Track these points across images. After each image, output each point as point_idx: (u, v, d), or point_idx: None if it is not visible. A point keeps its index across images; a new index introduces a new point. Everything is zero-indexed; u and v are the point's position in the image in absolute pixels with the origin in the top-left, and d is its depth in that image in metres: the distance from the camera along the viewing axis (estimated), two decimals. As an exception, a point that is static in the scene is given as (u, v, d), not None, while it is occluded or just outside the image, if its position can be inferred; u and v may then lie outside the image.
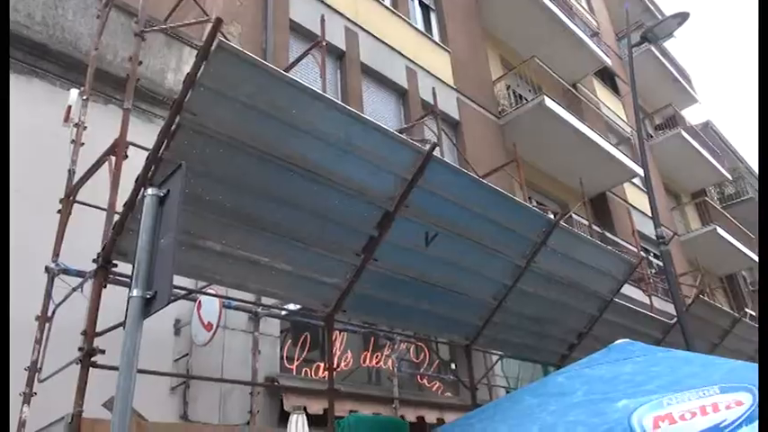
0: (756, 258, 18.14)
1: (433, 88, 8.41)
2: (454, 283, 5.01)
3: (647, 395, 3.01)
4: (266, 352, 5.59)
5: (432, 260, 4.59)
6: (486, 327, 5.67)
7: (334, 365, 6.12)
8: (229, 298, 4.98)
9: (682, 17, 7.63)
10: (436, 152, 3.99)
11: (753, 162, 24.11)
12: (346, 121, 3.47)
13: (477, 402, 5.61)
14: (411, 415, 6.22)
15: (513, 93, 11.90)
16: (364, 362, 6.73)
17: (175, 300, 4.63)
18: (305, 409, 4.52)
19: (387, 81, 9.17)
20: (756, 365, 3.25)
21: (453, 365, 7.52)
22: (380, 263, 4.19)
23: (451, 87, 10.24)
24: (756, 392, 2.55)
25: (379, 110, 8.80)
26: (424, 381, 7.38)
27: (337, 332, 6.22)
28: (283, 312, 5.66)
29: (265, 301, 5.46)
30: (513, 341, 6.34)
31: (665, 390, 3.01)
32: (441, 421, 6.25)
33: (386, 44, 9.34)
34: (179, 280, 4.26)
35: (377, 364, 6.84)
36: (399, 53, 9.50)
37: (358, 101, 8.14)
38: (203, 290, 4.76)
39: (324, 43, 5.80)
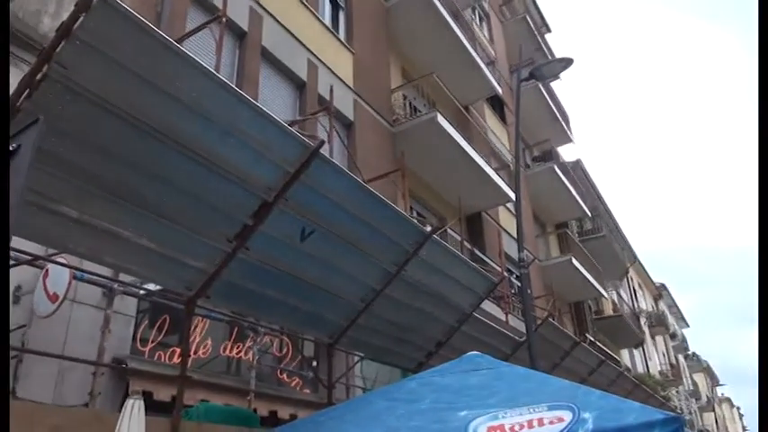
0: (602, 291, 20.07)
1: (331, 86, 8.42)
2: (324, 281, 5.04)
3: (486, 408, 3.21)
4: (118, 331, 5.26)
5: (305, 256, 4.58)
6: (350, 328, 5.75)
7: (192, 352, 5.93)
8: (82, 270, 4.63)
9: (567, 62, 8.28)
10: (325, 150, 4.00)
11: (610, 202, 26.66)
12: (234, 103, 3.36)
13: (334, 401, 5.67)
14: (264, 409, 6.15)
15: (410, 104, 12.22)
16: (224, 351, 6.55)
17: (17, 265, 4.23)
18: (147, 393, 4.31)
19: (286, 71, 9.03)
20: (582, 387, 3.60)
21: (315, 363, 7.55)
22: (252, 253, 4.11)
23: (350, 88, 10.31)
24: (577, 410, 2.82)
25: (275, 99, 8.64)
26: (284, 376, 7.34)
27: (199, 318, 6.01)
28: (142, 291, 5.37)
29: (124, 277, 5.14)
30: (375, 344, 6.49)
31: (503, 404, 3.23)
32: (293, 417, 6.24)
33: (291, 33, 9.20)
34: (25, 244, 3.89)
35: (237, 354, 6.69)
36: (303, 45, 9.40)
37: (254, 86, 7.94)
38: (52, 258, 4.38)
39: (224, 19, 5.59)
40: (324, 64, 9.74)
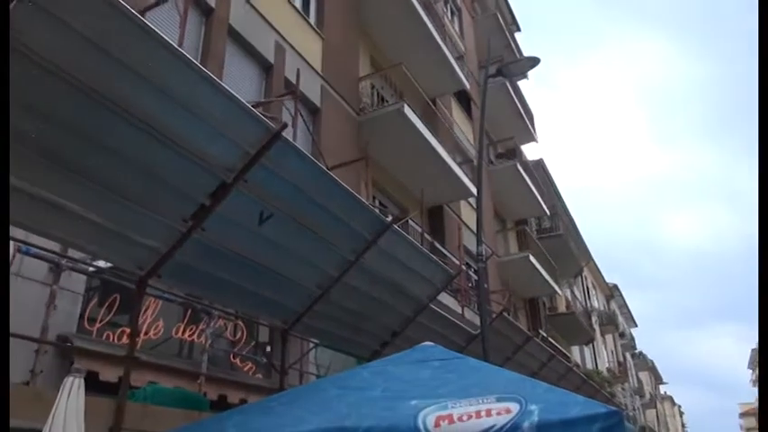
0: (557, 288, 20.54)
1: (298, 69, 8.30)
2: (281, 266, 4.99)
3: (437, 397, 3.24)
4: (64, 308, 5.09)
5: (262, 240, 4.52)
6: (306, 314, 5.72)
7: (142, 333, 5.80)
8: (28, 243, 4.45)
9: (534, 61, 8.38)
10: (289, 134, 3.94)
11: (568, 202, 27.27)
12: (196, 79, 3.27)
13: (286, 387, 5.64)
14: (214, 392, 6.08)
15: (377, 93, 12.18)
16: (176, 333, 6.43)
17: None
18: (92, 373, 4.19)
19: (253, 52, 8.86)
20: (530, 380, 3.68)
21: (269, 348, 7.49)
22: (208, 234, 4.03)
23: (318, 74, 10.20)
24: (524, 402, 2.86)
25: (239, 79, 8.47)
26: (237, 360, 7.26)
27: (151, 299, 5.88)
28: (91, 269, 5.21)
29: (73, 253, 4.98)
30: (331, 331, 6.48)
31: (453, 394, 3.26)
32: (244, 401, 6.19)
33: (260, 14, 9.02)
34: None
35: (190, 337, 6.58)
36: (272, 26, 9.24)
37: (219, 64, 7.76)
38: (-4, 230, 4.19)
39: (190, -7, 5.44)
40: (292, 47, 9.60)
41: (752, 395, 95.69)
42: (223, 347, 7.13)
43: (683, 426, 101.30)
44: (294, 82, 8.35)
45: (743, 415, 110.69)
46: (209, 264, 4.51)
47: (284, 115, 8.05)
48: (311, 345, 7.03)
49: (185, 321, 6.52)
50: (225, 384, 6.44)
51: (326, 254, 5.25)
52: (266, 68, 9.09)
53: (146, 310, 5.82)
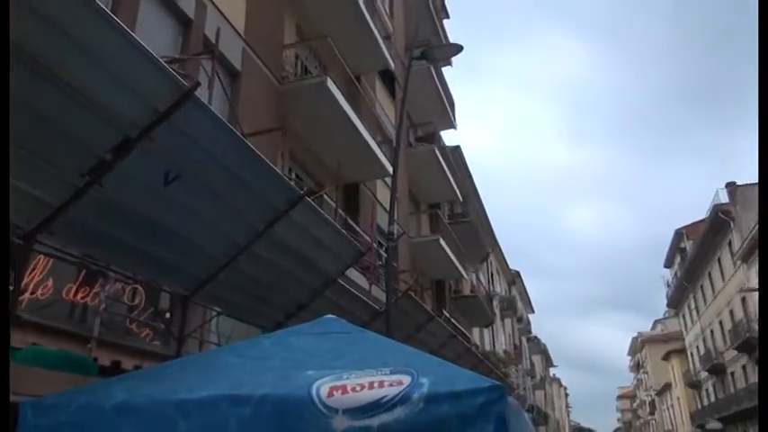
0: (463, 272, 21.29)
1: (219, 28, 7.97)
2: (186, 231, 4.84)
3: (333, 369, 3.30)
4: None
5: (167, 203, 4.36)
6: (210, 282, 5.60)
7: (29, 292, 5.44)
8: None
9: (458, 48, 8.54)
10: (204, 96, 3.81)
11: (480, 190, 28.22)
12: (104, 27, 3.08)
13: (183, 355, 5.51)
14: (106, 358, 5.85)
15: (302, 64, 11.96)
16: (68, 295, 6.09)
17: None
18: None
19: (171, 4, 8.39)
20: (425, 355, 3.82)
21: (168, 315, 7.27)
22: (107, 191, 3.82)
23: (240, 36, 9.85)
24: (416, 375, 2.98)
25: (154, 32, 8.02)
26: (134, 326, 6.99)
27: (42, 256, 5.52)
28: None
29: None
30: (235, 301, 6.39)
31: (349, 366, 3.33)
32: (138, 368, 5.99)
33: (181, -36, 8.56)
34: None
35: (83, 299, 6.25)
36: (194, -21, 8.79)
37: (131, 14, 7.30)
38: None
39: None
40: (214, 4, 9.19)
41: (628, 380, 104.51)
42: (119, 312, 6.84)
43: (567, 406, 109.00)
44: (214, 41, 8.02)
45: (620, 397, 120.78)
46: (108, 223, 4.30)
47: (201, 76, 7.73)
48: (213, 313, 6.89)
49: (78, 282, 6.19)
50: (119, 350, 6.21)
51: (235, 222, 5.15)
52: (184, 23, 8.65)
53: (33, 269, 5.46)
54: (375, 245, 13.20)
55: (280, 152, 8.96)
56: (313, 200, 5.97)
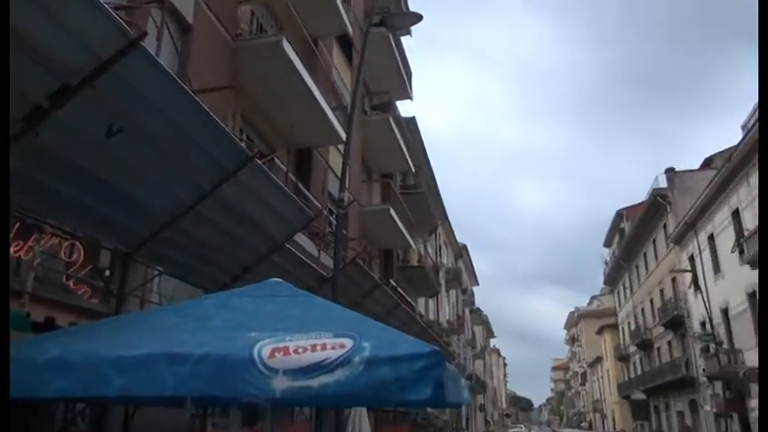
0: (412, 242, 21.53)
1: (171, -22, 7.61)
2: (129, 187, 4.69)
3: (276, 331, 3.30)
4: None
5: (109, 156, 4.20)
6: (152, 240, 5.47)
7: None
8: None
9: (416, 18, 8.46)
10: (153, 48, 3.65)
11: (433, 162, 28.43)
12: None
13: (123, 313, 5.40)
14: (40, 314, 5.65)
15: (257, 22, 11.59)
16: (0, 248, 5.81)
17: None
18: None
19: (121, -52, 7.95)
20: (368, 319, 3.87)
21: (108, 272, 7.07)
22: (44, 140, 3.65)
23: (194, -13, 9.44)
24: (358, 339, 3.02)
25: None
26: (71, 282, 6.76)
27: (-30, 207, 5.24)
28: None
29: None
30: (178, 260, 6.27)
31: (293, 329, 3.35)
32: (73, 325, 5.82)
33: None
34: None
35: (16, 253, 5.99)
36: (146, -77, 8.32)
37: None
38: None
39: None
40: (167, -48, 8.74)
41: (563, 352, 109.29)
42: (55, 268, 6.60)
43: (505, 375, 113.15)
44: (165, -9, 7.66)
45: (554, 369, 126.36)
46: (44, 174, 4.12)
47: (150, 27, 7.39)
48: (155, 272, 6.75)
49: (11, 235, 5.91)
50: (54, 306, 6.01)
51: (181, 180, 5.02)
52: (134, -30, 8.21)
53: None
54: (325, 211, 13.15)
55: (231, 112, 8.73)
56: (264, 163, 5.88)
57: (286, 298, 4.19)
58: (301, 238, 10.02)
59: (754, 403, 25.37)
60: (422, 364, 2.92)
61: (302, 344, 3.05)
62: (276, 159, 10.84)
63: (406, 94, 23.17)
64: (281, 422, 9.18)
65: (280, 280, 4.57)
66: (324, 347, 3.03)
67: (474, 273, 55.27)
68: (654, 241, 39.54)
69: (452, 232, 40.29)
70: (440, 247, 35.48)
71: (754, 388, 24.53)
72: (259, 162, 5.37)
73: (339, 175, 14.68)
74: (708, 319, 28.24)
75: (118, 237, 5.49)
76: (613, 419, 58.39)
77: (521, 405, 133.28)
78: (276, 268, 7.19)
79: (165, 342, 3.22)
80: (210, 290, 6.79)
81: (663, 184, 35.97)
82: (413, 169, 22.53)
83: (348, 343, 3.03)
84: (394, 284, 19.37)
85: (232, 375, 2.94)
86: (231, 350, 3.06)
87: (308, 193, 12.14)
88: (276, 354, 2.99)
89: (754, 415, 25.56)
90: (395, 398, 3.33)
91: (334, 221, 15.22)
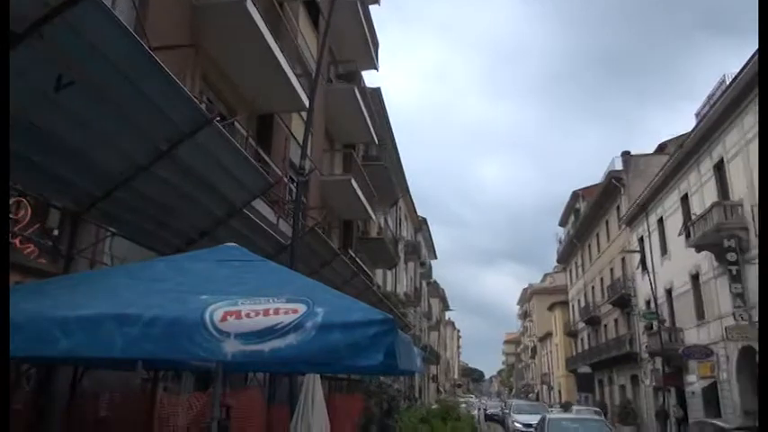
0: (372, 214, 21.57)
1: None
2: (80, 143, 4.53)
3: (229, 295, 3.28)
4: None
5: (58, 109, 4.03)
6: (104, 200, 5.32)
7: None
8: None
9: (386, -15, 8.30)
10: (108, 1, 3.48)
11: (396, 135, 28.36)
12: None
13: (71, 273, 5.27)
14: (-17, 273, 5.44)
15: (221, -21, 11.18)
16: (-62, 203, 5.55)
17: None
18: None
19: None
20: (323, 286, 3.88)
21: (56, 232, 6.85)
22: (-12, 90, 3.47)
23: (155, -61, 9.02)
24: (311, 305, 3.03)
25: None
26: (17, 241, 6.53)
27: None
28: None
29: None
30: (132, 222, 6.13)
31: (246, 294, 3.33)
32: (18, 284, 5.64)
33: None
34: None
35: (-44, 209, 5.73)
36: None
37: None
38: None
39: None
40: None
41: (516, 326, 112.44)
42: (1, 225, 6.35)
43: (458, 347, 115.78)
44: (123, -59, 7.31)
45: (506, 342, 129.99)
46: (-12, 126, 3.92)
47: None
48: (107, 233, 6.58)
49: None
50: None
51: (135, 138, 4.87)
52: None
53: None
54: (286, 179, 13.01)
55: (190, 72, 8.47)
56: (224, 127, 5.74)
57: (241, 263, 4.16)
58: (260, 205, 9.91)
59: (690, 378, 26.75)
60: (374, 331, 2.95)
61: (255, 308, 3.04)
62: (237, 124, 10.61)
63: (372, 65, 22.93)
64: (235, 388, 9.18)
65: (235, 245, 4.53)
66: (276, 312, 3.03)
67: (433, 246, 55.92)
68: (607, 222, 40.72)
69: (413, 205, 40.53)
70: (400, 219, 35.68)
71: (692, 364, 25.84)
72: (218, 125, 5.25)
73: (301, 142, 14.52)
74: (653, 299, 29.45)
75: (67, 195, 5.31)
76: (559, 391, 60.71)
77: (473, 376, 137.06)
78: (234, 234, 7.11)
79: (114, 303, 3.16)
80: (165, 253, 6.67)
81: (619, 166, 36.93)
82: (376, 141, 22.44)
83: (301, 308, 3.04)
84: (353, 255, 19.44)
85: (183, 338, 2.91)
86: (182, 312, 3.03)
87: (268, 160, 11.96)
88: (228, 317, 2.97)
89: (689, 389, 27.00)
90: (347, 363, 3.38)
91: (295, 189, 15.11)
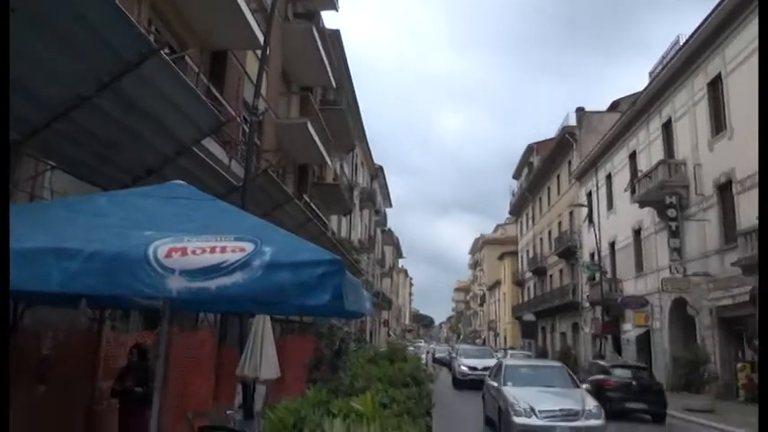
0: (328, 159, 21.35)
1: None
2: (19, 70, 4.23)
3: (175, 232, 3.21)
4: None
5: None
6: (44, 130, 5.06)
7: None
8: None
9: None
10: None
11: (355, 80, 27.85)
12: None
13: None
14: None
15: None
16: None
17: None
18: None
19: None
20: (272, 226, 3.85)
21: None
22: None
23: None
24: (259, 244, 3.00)
25: None
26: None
27: None
28: None
29: None
30: (73, 156, 5.88)
31: (193, 232, 3.27)
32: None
33: None
34: None
35: None
36: None
37: None
38: None
39: None
40: None
41: (466, 275, 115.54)
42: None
43: (410, 294, 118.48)
44: None
45: (457, 290, 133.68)
46: None
47: None
48: (47, 167, 6.30)
49: None
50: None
51: (76, 68, 4.61)
52: None
53: None
54: (239, 119, 12.65)
55: (137, 0, 7.98)
56: (174, 61, 5.49)
57: (188, 201, 4.06)
58: (212, 145, 9.65)
59: (626, 327, 28.31)
60: (322, 271, 2.95)
61: (201, 245, 2.99)
62: (187, 58, 10.16)
63: (332, 4, 22.19)
64: (185, 329, 9.16)
65: (183, 183, 4.40)
66: (223, 250, 2.99)
67: (388, 194, 56.13)
68: (558, 176, 41.67)
69: (370, 153, 40.32)
70: (356, 166, 35.51)
71: (629, 313, 27.29)
72: (165, 56, 5.01)
73: (255, 82, 14.08)
74: (596, 251, 30.66)
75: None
76: (505, 338, 63.36)
77: (423, 322, 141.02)
78: (183, 173, 6.91)
79: (53, 236, 3.06)
80: (109, 190, 6.45)
81: (573, 122, 37.53)
82: (334, 85, 21.97)
83: (249, 247, 3.01)
84: (307, 200, 19.31)
85: (125, 273, 2.85)
86: (125, 248, 2.95)
87: (220, 98, 11.57)
88: (173, 254, 2.92)
89: (624, 337, 28.61)
90: (294, 302, 3.39)
91: (248, 130, 14.74)
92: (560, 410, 9.96)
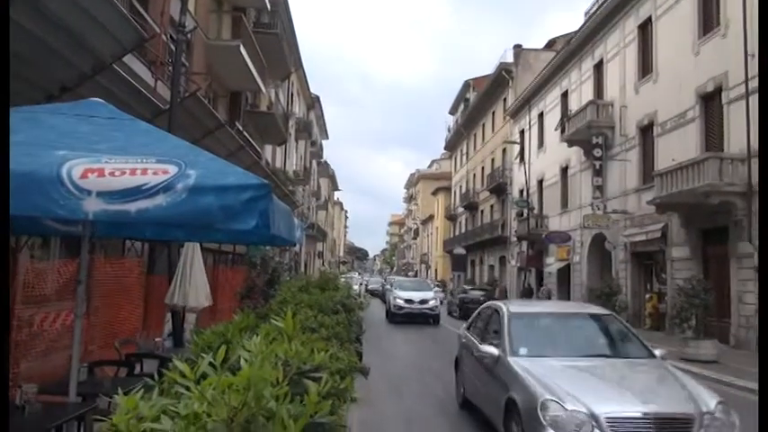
0: (262, 86, 20.58)
1: None
2: None
3: (92, 152, 3.03)
4: None
5: None
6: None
7: None
8: None
9: None
10: None
11: (292, 3, 26.54)
12: None
13: None
14: None
15: None
16: None
17: None
18: None
19: None
20: (197, 148, 3.71)
21: None
22: None
23: None
24: (183, 166, 2.89)
25: None
26: None
27: None
28: None
29: None
30: (-24, 69, 5.36)
31: (112, 152, 3.10)
32: None
33: None
34: None
35: None
36: None
37: None
38: None
39: None
40: None
41: (400, 209, 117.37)
42: None
43: (345, 227, 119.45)
44: None
45: (391, 224, 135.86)
46: None
47: None
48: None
49: None
50: None
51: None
52: None
53: None
54: (165, 37, 11.88)
55: None
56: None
57: (107, 120, 3.84)
58: (135, 64, 9.07)
59: (549, 260, 29.86)
60: (249, 195, 2.88)
61: (120, 167, 2.85)
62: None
63: None
64: (111, 257, 8.89)
65: (101, 101, 4.14)
66: (144, 172, 2.86)
67: (325, 126, 55.25)
68: (493, 113, 42.20)
69: (306, 82, 39.21)
70: (292, 95, 34.52)
71: (552, 248, 28.72)
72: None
73: None
74: (525, 188, 31.71)
75: None
76: (436, 270, 65.51)
77: (357, 255, 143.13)
78: (102, 92, 6.47)
79: (-49, 153, 2.81)
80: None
81: (510, 59, 37.70)
82: (269, 6, 20.91)
83: (172, 169, 2.89)
84: (240, 128, 18.71)
85: (36, 193, 2.70)
86: (35, 167, 2.78)
87: (144, 13, 10.79)
88: (89, 174, 2.77)
89: (547, 269, 30.23)
90: (219, 226, 3.33)
91: (174, 49, 13.92)
92: (654, 417, 4.73)
